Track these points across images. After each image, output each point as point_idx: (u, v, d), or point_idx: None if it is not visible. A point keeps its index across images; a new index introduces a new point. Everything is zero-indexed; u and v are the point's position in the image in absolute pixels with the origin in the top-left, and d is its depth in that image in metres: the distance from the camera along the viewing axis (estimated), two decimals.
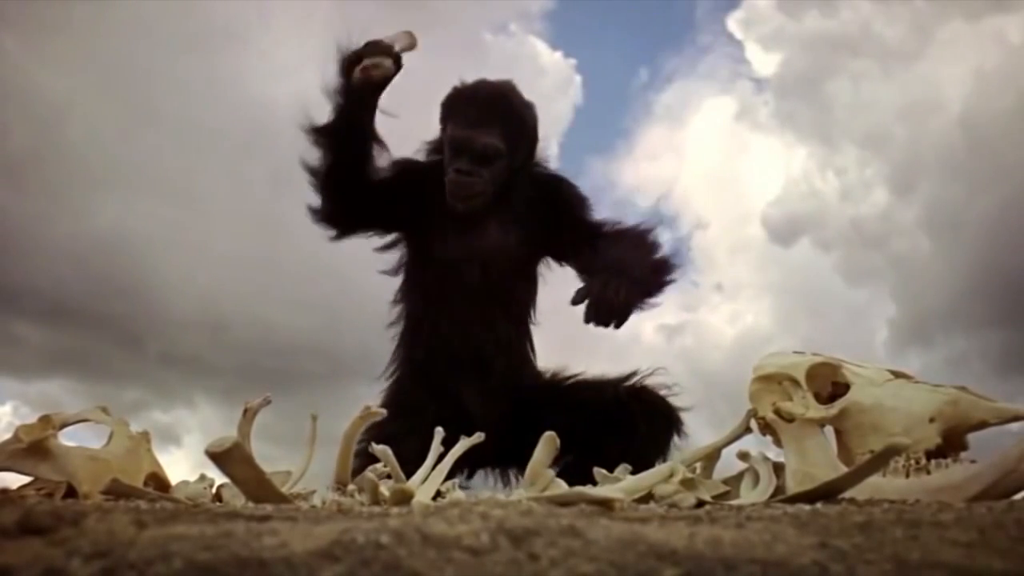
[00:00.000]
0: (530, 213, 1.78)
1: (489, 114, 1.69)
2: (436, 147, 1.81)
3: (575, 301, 1.49)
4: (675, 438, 1.67)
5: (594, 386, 1.74)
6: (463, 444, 1.09)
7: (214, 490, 1.17)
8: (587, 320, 1.48)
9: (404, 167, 1.79)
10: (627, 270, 1.53)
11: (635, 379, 1.71)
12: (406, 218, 1.80)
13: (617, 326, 1.49)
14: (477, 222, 1.74)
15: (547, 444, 0.95)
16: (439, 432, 1.11)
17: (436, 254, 1.75)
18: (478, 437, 1.09)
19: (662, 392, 1.70)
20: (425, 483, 0.96)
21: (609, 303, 1.47)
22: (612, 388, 1.69)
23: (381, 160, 1.76)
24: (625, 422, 1.63)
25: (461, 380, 1.71)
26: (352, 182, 1.70)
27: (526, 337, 1.83)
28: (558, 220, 1.79)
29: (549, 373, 1.82)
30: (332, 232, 1.77)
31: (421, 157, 1.83)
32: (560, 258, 1.83)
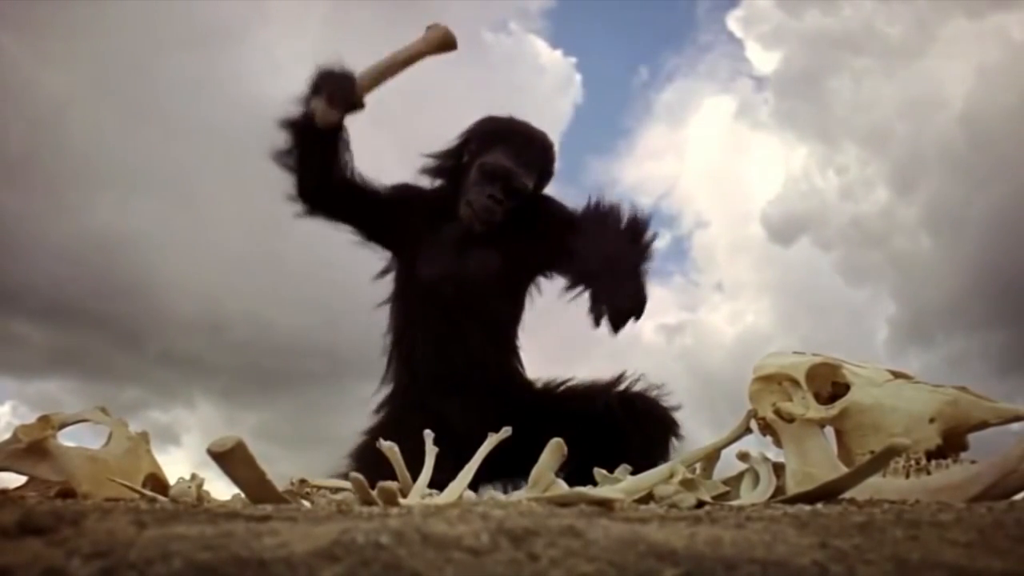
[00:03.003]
0: (514, 234, 1.81)
1: (535, 158, 1.80)
2: (449, 161, 1.84)
3: (597, 322, 1.53)
4: (673, 441, 1.68)
5: (584, 395, 1.75)
6: (490, 442, 1.07)
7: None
8: (616, 332, 1.53)
9: (399, 190, 1.86)
10: (620, 269, 1.57)
11: (624, 384, 1.73)
12: (395, 238, 1.86)
13: (636, 320, 1.55)
14: (461, 243, 1.79)
15: (554, 450, 0.95)
16: (429, 435, 1.10)
17: (420, 275, 1.80)
18: (505, 432, 1.07)
19: (653, 394, 1.71)
20: (454, 484, 0.95)
21: (623, 312, 1.53)
22: (603, 397, 1.71)
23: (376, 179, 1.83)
24: (618, 434, 1.64)
25: (443, 399, 1.73)
26: (317, 174, 1.76)
27: (510, 354, 1.86)
28: (543, 232, 1.83)
29: (540, 383, 1.84)
30: (307, 209, 1.82)
31: (421, 169, 1.88)
32: (549, 269, 1.87)
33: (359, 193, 1.81)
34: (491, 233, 1.78)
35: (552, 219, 1.84)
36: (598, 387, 1.75)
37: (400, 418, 1.72)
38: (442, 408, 1.70)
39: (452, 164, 1.84)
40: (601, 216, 1.73)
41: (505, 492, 1.71)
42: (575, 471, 1.67)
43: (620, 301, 1.52)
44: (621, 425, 1.64)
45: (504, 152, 1.76)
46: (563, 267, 1.77)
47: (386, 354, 1.86)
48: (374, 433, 1.70)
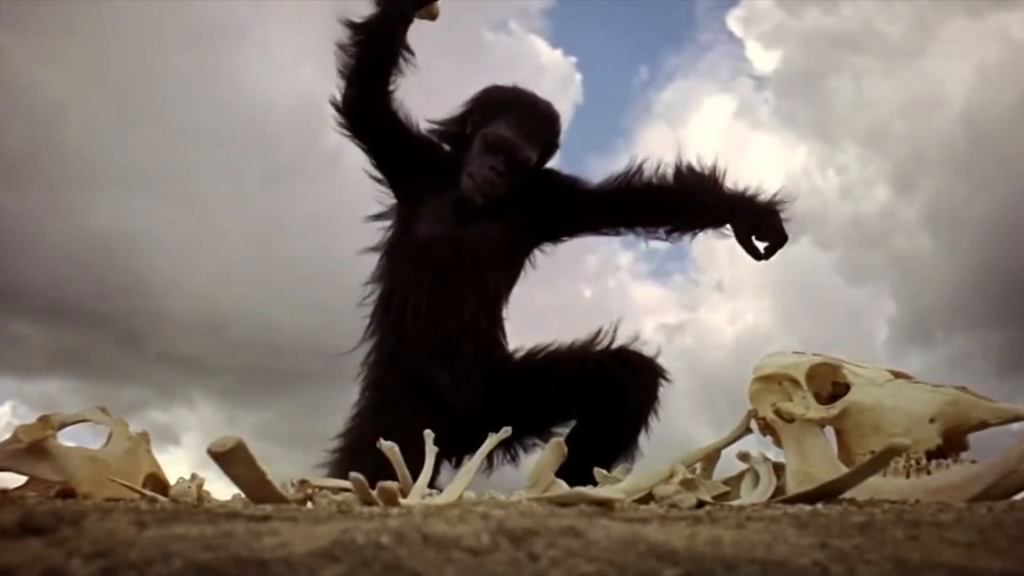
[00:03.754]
0: (517, 204, 1.80)
1: (540, 130, 1.78)
2: (453, 129, 1.83)
3: (760, 257, 1.70)
4: (662, 385, 1.71)
5: (568, 357, 1.76)
6: (491, 442, 1.06)
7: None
8: (768, 257, 1.69)
9: (425, 140, 1.84)
10: (760, 205, 1.70)
11: (604, 340, 1.75)
12: (404, 185, 1.83)
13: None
14: (463, 209, 1.77)
15: (554, 449, 0.95)
16: (429, 435, 1.09)
17: (418, 233, 1.77)
18: (505, 433, 1.06)
19: (633, 345, 1.74)
20: (453, 484, 0.95)
21: (779, 237, 1.68)
22: (591, 355, 1.73)
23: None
24: (615, 387, 1.66)
25: (432, 364, 1.71)
26: (375, 79, 1.74)
27: (497, 323, 1.84)
28: (560, 204, 1.83)
29: (521, 352, 1.83)
30: (344, 121, 1.79)
31: (425, 130, 1.86)
32: (567, 235, 1.89)
33: (397, 124, 1.79)
34: (494, 203, 1.76)
35: (570, 187, 1.85)
36: (579, 347, 1.76)
37: (392, 397, 1.69)
38: (433, 377, 1.69)
39: (456, 132, 1.82)
40: (695, 171, 1.76)
41: (491, 462, 1.70)
42: (582, 431, 1.68)
43: (780, 229, 1.67)
44: (616, 378, 1.66)
45: (507, 123, 1.74)
46: (665, 217, 1.81)
47: (371, 306, 1.82)
48: (366, 415, 1.69)
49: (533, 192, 1.81)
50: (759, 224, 1.69)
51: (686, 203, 1.77)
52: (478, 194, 1.73)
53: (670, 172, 1.77)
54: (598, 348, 1.73)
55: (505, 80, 1.89)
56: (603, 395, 1.66)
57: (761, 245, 1.70)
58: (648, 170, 1.79)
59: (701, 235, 1.81)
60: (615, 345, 1.73)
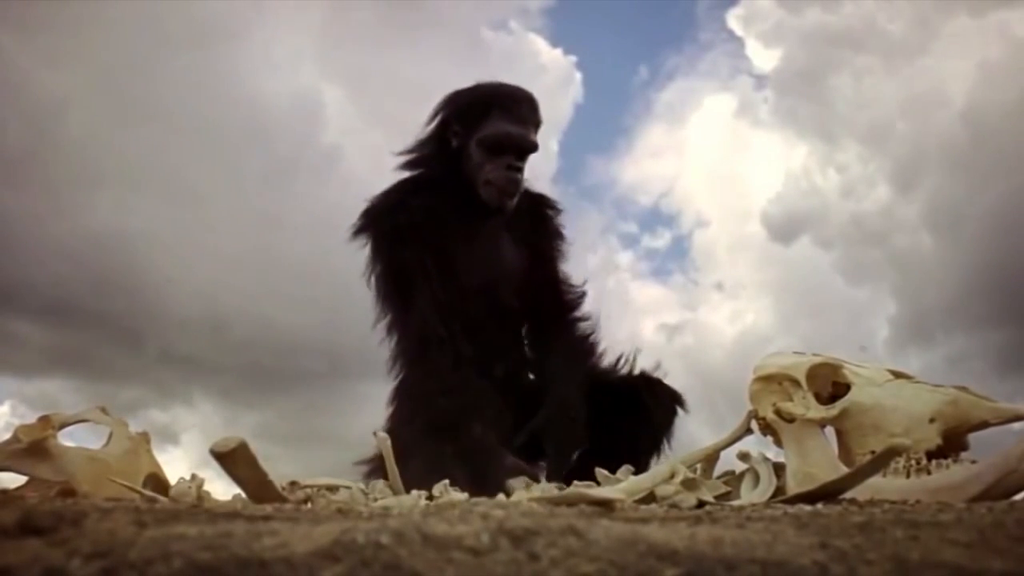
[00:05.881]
0: (525, 223, 1.77)
1: (531, 113, 1.70)
2: (431, 149, 1.71)
3: (532, 431, 1.60)
4: (679, 414, 1.69)
5: (594, 379, 1.71)
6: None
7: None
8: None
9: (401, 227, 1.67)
10: (574, 414, 1.60)
11: (626, 366, 1.73)
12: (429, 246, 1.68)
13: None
14: (491, 237, 1.70)
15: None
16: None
17: (459, 276, 1.65)
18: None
19: (657, 374, 1.72)
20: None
21: (558, 462, 1.58)
22: (615, 379, 1.71)
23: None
24: (636, 408, 1.65)
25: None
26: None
27: (521, 343, 1.80)
28: (544, 241, 1.80)
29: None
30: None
31: (402, 165, 1.74)
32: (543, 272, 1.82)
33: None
34: (505, 222, 1.70)
35: (554, 238, 1.81)
36: (602, 371, 1.73)
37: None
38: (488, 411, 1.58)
39: (436, 151, 1.69)
40: (586, 353, 1.73)
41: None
42: (599, 449, 1.64)
43: (567, 455, 1.60)
44: (640, 402, 1.66)
45: (502, 118, 1.65)
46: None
47: (403, 360, 1.64)
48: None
49: (532, 211, 1.77)
50: (551, 441, 1.60)
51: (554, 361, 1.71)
52: (505, 197, 1.64)
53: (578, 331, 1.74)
54: (622, 373, 1.72)
55: (504, 79, 1.85)
56: (626, 417, 1.64)
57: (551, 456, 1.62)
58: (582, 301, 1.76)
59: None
60: (638, 371, 1.71)
